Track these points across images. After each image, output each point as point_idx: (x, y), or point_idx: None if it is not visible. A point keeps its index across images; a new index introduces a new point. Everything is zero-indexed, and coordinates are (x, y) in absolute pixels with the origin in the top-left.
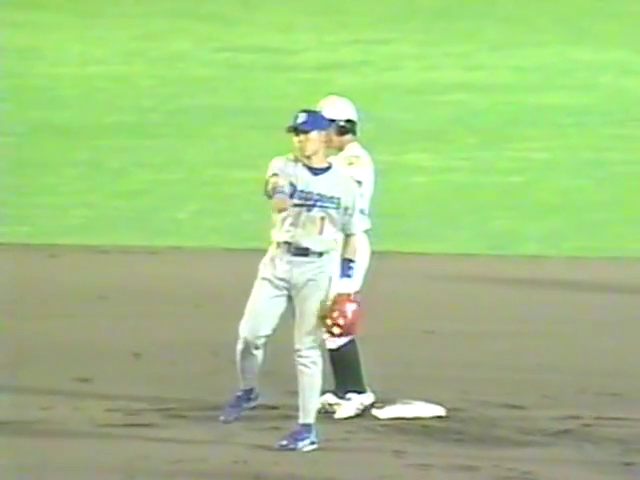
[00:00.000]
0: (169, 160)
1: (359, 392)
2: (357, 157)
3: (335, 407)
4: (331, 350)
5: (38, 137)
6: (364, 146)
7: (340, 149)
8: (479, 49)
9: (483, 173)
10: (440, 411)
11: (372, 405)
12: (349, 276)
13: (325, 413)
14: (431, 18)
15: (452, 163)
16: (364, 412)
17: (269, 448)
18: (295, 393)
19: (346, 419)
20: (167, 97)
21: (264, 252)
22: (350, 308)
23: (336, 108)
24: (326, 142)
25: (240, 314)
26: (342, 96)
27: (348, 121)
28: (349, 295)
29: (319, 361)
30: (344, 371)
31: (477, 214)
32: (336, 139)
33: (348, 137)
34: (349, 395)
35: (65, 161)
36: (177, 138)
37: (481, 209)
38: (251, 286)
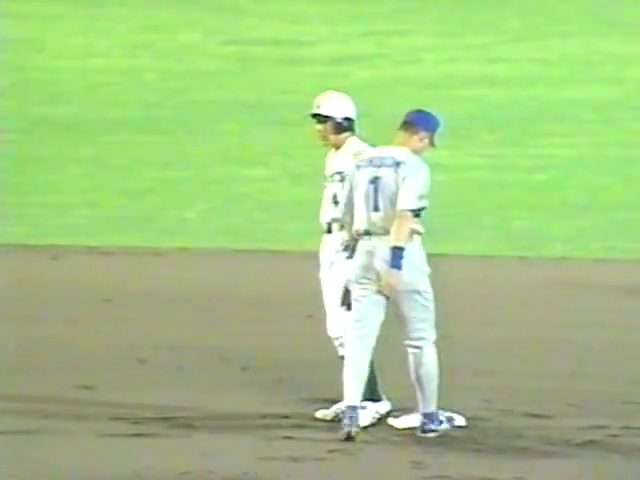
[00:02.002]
0: (176, 157)
1: (375, 400)
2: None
3: None
4: (343, 357)
5: (39, 133)
6: (363, 141)
7: (336, 147)
8: (500, 41)
9: (505, 171)
10: (460, 420)
11: (388, 414)
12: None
13: (339, 422)
14: (449, 8)
15: (473, 160)
16: (380, 421)
17: (280, 459)
18: (307, 401)
19: (361, 428)
20: (174, 92)
21: (275, 253)
22: None
23: (334, 105)
24: (322, 138)
25: (250, 317)
26: (357, 90)
27: (346, 119)
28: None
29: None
30: None
31: (499, 214)
32: (332, 137)
33: (345, 135)
34: (364, 403)
35: (67, 158)
36: (184, 134)
37: (503, 208)
38: (262, 288)
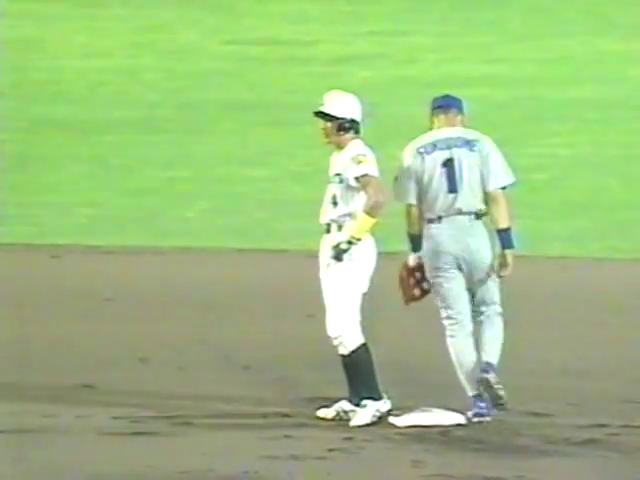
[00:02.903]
0: (177, 157)
1: (375, 399)
2: (364, 155)
3: (350, 414)
4: (343, 356)
5: (40, 133)
6: (367, 143)
7: (339, 147)
8: (501, 40)
9: None
10: (460, 419)
11: (389, 412)
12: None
13: (340, 420)
14: (450, 8)
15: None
16: (380, 419)
17: (281, 457)
18: (308, 400)
19: (362, 427)
20: (175, 91)
21: (276, 252)
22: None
23: (339, 105)
24: (325, 136)
25: (251, 317)
26: (357, 90)
27: (351, 120)
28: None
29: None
30: (358, 377)
31: None
32: (335, 136)
33: (348, 136)
34: (365, 402)
35: (68, 158)
36: (185, 134)
37: None
38: (263, 287)
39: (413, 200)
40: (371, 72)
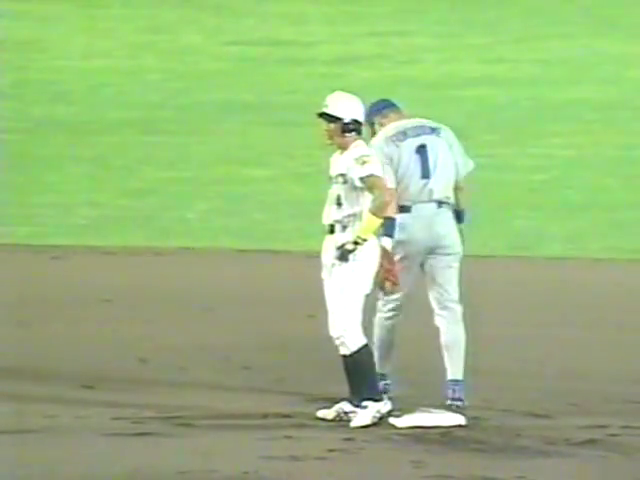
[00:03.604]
0: (177, 157)
1: (375, 400)
2: (368, 156)
3: (351, 415)
4: (345, 356)
5: (41, 134)
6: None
7: (342, 148)
8: (501, 41)
9: (505, 171)
10: (460, 420)
11: (389, 413)
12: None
13: (340, 421)
14: (450, 9)
15: (472, 160)
16: (381, 420)
17: (281, 458)
18: (308, 401)
19: (362, 428)
20: (175, 92)
21: (277, 253)
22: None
23: (342, 106)
24: (329, 137)
25: (252, 317)
26: (358, 91)
27: (354, 121)
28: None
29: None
30: (359, 378)
31: (498, 213)
32: (338, 138)
33: (351, 136)
34: (365, 403)
35: (69, 159)
36: (186, 135)
37: (502, 208)
38: (263, 288)
39: (394, 184)
40: (371, 72)
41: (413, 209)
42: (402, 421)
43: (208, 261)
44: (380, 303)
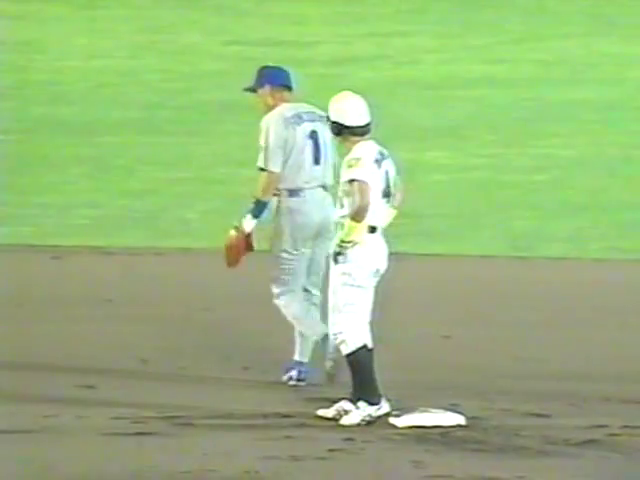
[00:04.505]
0: (178, 158)
1: (369, 402)
2: (357, 159)
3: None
4: (347, 355)
5: (41, 134)
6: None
7: (346, 148)
8: (501, 42)
9: (505, 171)
10: (460, 420)
11: (387, 415)
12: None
13: (339, 420)
14: (450, 9)
15: (472, 161)
16: (371, 422)
17: (281, 458)
18: (308, 400)
19: (350, 427)
20: (176, 92)
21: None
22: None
23: (333, 108)
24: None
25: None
26: (358, 92)
27: (341, 125)
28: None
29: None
30: (355, 378)
31: (499, 214)
32: (340, 140)
33: (354, 138)
34: (359, 403)
35: (69, 159)
36: (186, 135)
37: (503, 209)
38: (262, 288)
39: (280, 169)
40: (371, 73)
41: (307, 193)
42: (402, 421)
43: (208, 261)
44: (278, 290)
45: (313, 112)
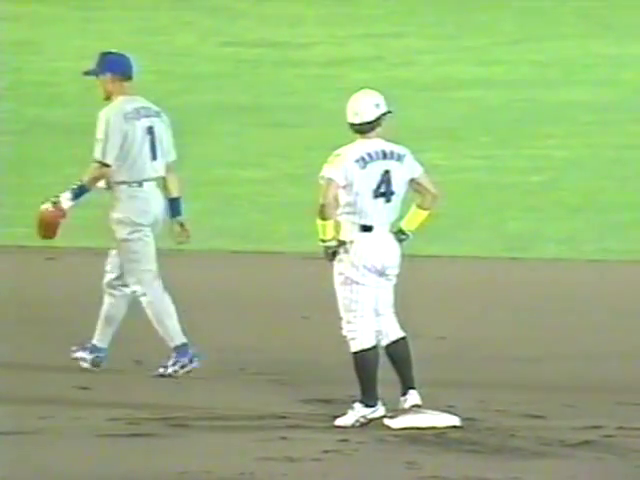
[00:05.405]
0: None
1: (366, 404)
2: (335, 156)
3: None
4: (353, 353)
5: (36, 135)
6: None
7: None
8: (496, 43)
9: (500, 172)
10: (455, 420)
11: (382, 417)
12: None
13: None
14: (446, 10)
15: (468, 162)
16: (363, 426)
17: (277, 459)
18: (304, 402)
19: (345, 428)
20: (170, 93)
21: (272, 254)
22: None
23: (348, 108)
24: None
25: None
26: (353, 93)
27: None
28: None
29: None
30: (357, 376)
31: (494, 215)
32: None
33: (357, 135)
34: (355, 404)
35: (64, 160)
36: (181, 136)
37: (498, 210)
38: (259, 289)
39: (113, 162)
40: (366, 74)
41: (145, 185)
42: (397, 422)
43: (203, 262)
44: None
45: (149, 107)
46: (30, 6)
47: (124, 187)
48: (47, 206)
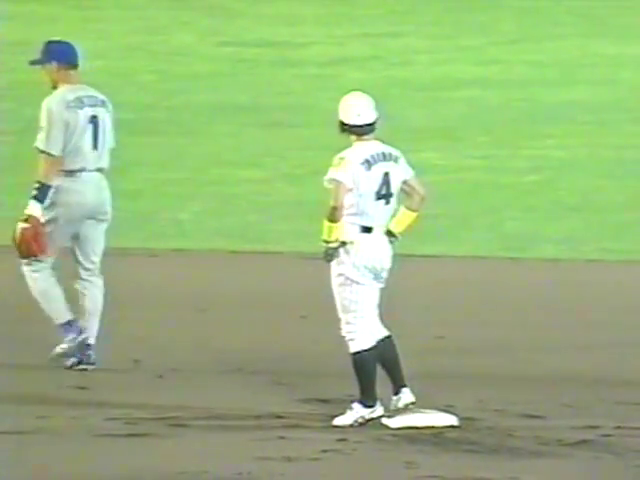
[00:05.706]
0: (170, 159)
1: (365, 405)
2: (340, 159)
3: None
4: (352, 354)
5: (34, 135)
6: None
7: None
8: (494, 43)
9: (498, 172)
10: (453, 420)
11: (380, 418)
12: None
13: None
14: (443, 10)
15: (466, 162)
16: (361, 426)
17: (275, 459)
18: (301, 401)
19: (343, 427)
20: (168, 93)
21: (270, 254)
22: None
23: (343, 108)
24: None
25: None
26: (351, 92)
27: (341, 122)
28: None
29: None
30: (356, 376)
31: (492, 215)
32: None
33: (353, 137)
34: (353, 404)
35: None
36: (179, 136)
37: (496, 210)
38: (257, 289)
39: (61, 153)
40: (364, 74)
41: (83, 175)
42: (395, 422)
43: (201, 262)
44: (27, 267)
45: (95, 96)
46: (28, 6)
47: (62, 175)
48: (21, 225)
